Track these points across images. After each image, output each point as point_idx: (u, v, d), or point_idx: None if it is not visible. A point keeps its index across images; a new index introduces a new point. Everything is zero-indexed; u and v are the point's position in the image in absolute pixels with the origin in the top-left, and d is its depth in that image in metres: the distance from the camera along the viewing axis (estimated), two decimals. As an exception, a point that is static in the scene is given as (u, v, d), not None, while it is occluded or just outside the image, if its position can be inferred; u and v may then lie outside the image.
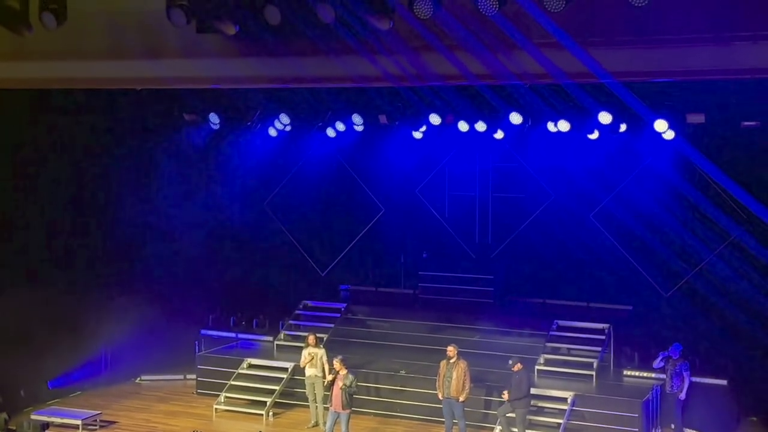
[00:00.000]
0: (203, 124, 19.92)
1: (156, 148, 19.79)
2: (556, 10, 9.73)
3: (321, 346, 16.80)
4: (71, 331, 17.76)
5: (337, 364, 15.08)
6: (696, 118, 16.41)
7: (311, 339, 16.45)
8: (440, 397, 15.33)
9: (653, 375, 16.47)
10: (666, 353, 15.73)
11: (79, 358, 18.36)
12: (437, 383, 15.37)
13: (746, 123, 16.50)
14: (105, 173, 19.01)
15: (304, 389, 16.59)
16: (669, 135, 16.62)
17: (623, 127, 16.91)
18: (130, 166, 19.37)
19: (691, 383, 15.68)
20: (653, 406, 16.01)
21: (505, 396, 15.22)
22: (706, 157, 16.18)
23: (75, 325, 17.84)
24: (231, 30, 11.25)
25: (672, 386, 15.70)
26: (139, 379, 19.57)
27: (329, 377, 15.24)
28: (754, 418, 16.51)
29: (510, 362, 15.25)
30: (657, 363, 15.91)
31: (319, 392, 16.27)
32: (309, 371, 16.32)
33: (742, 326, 16.91)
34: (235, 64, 12.31)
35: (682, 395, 15.63)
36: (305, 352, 16.42)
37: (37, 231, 17.66)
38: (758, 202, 15.63)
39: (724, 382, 16.46)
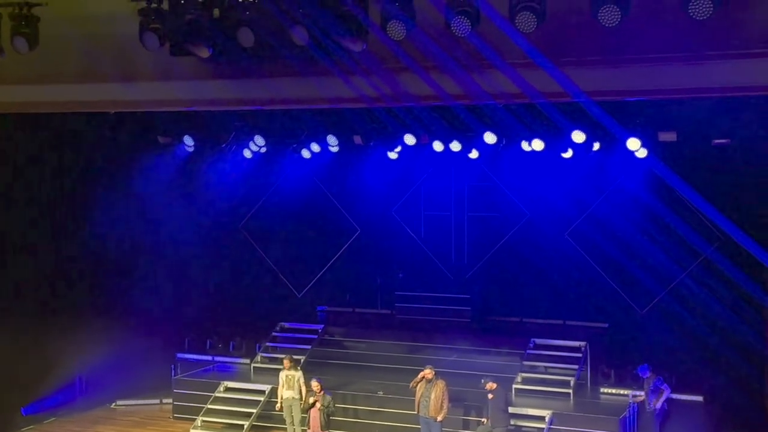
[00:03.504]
0: (178, 147, 19.86)
1: (130, 171, 19.66)
2: (527, 31, 9.82)
3: (298, 368, 16.73)
4: (44, 355, 17.58)
5: (316, 385, 15.08)
6: (668, 137, 16.56)
7: (286, 362, 16.39)
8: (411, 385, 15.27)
9: (630, 392, 16.50)
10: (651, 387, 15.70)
11: (52, 383, 18.14)
12: (417, 402, 15.31)
13: (717, 141, 16.69)
14: (77, 195, 18.87)
15: (282, 412, 16.48)
16: (642, 153, 16.75)
17: (597, 146, 17.03)
18: (103, 189, 19.22)
19: (669, 395, 15.69)
20: (630, 424, 16.04)
21: (485, 422, 15.26)
22: (678, 175, 16.33)
23: (48, 350, 17.65)
24: (205, 53, 11.27)
25: (649, 403, 15.73)
26: (114, 404, 19.37)
27: (310, 399, 15.18)
28: (731, 434, 16.60)
29: (482, 381, 15.23)
30: (650, 399, 15.80)
31: (297, 414, 16.17)
32: (286, 393, 16.24)
33: (714, 343, 17.03)
34: (210, 86, 12.31)
35: (658, 405, 15.62)
36: (282, 375, 16.34)
37: (8, 253, 17.47)
38: (729, 221, 15.76)
39: (700, 398, 16.54)
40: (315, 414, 15.04)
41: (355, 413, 17.13)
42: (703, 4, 9.15)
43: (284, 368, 16.34)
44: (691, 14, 9.23)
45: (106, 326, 18.73)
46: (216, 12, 11.21)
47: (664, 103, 14.92)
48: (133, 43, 11.32)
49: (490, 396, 15.12)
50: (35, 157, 17.83)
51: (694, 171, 16.79)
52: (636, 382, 16.54)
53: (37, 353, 17.34)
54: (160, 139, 19.84)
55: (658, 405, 15.58)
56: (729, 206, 16.33)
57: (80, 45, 12.41)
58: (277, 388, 16.55)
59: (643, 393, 15.81)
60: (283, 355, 17.18)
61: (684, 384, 16.71)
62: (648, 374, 15.64)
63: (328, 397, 15.16)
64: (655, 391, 15.65)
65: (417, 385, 15.24)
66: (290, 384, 16.23)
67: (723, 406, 16.60)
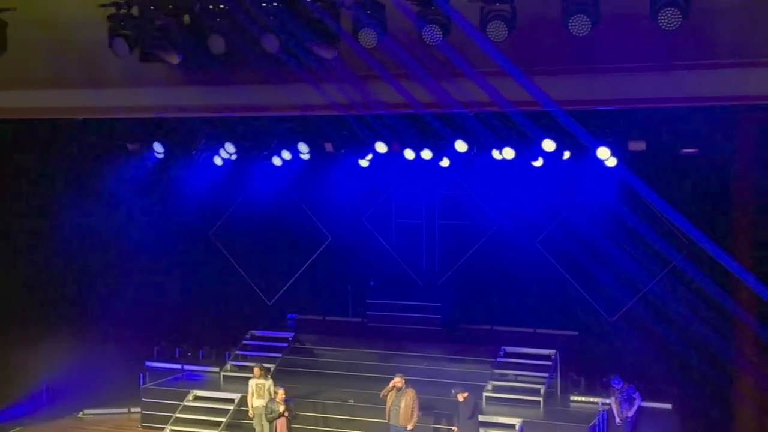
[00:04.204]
0: (147, 153, 19.71)
1: (98, 178, 19.49)
2: (498, 40, 9.87)
3: (268, 376, 16.65)
4: (10, 364, 17.36)
5: (282, 394, 15.04)
6: (637, 146, 16.69)
7: (257, 371, 16.30)
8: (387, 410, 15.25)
9: (599, 400, 16.58)
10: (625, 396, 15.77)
11: (18, 392, 17.92)
12: (387, 411, 15.28)
13: (686, 150, 16.85)
14: (44, 202, 18.68)
15: (252, 420, 16.37)
16: (611, 162, 16.86)
17: (567, 155, 17.12)
18: (71, 197, 19.02)
19: (640, 404, 15.80)
20: (600, 431, 16.11)
21: (455, 430, 15.24)
22: (647, 183, 16.44)
23: (14, 358, 17.44)
24: (175, 59, 11.20)
25: (622, 412, 15.76)
26: (81, 413, 19.12)
27: (280, 408, 15.11)
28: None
29: (452, 392, 15.20)
30: (623, 408, 15.86)
31: (267, 424, 16.07)
32: (257, 402, 16.14)
33: (682, 351, 17.14)
34: (180, 93, 12.24)
35: (631, 413, 15.72)
36: (252, 384, 16.24)
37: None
38: (697, 229, 15.91)
39: (668, 406, 16.65)
40: (282, 423, 15.04)
41: (326, 422, 17.06)
42: (671, 15, 9.24)
43: (255, 377, 16.26)
44: (660, 25, 9.32)
45: (73, 334, 18.54)
46: (186, 18, 11.15)
47: (634, 112, 15.05)
48: (102, 49, 11.24)
49: (461, 398, 15.07)
50: (2, 163, 17.63)
51: (663, 180, 16.93)
52: (605, 390, 16.62)
53: (2, 361, 17.10)
54: (129, 146, 19.68)
55: (631, 413, 15.68)
56: (697, 214, 16.47)
57: (49, 50, 12.30)
58: (246, 397, 16.45)
59: (610, 401, 15.90)
60: (253, 364, 17.09)
61: (653, 391, 16.80)
62: (621, 385, 15.71)
63: (290, 405, 15.28)
64: (629, 400, 15.73)
65: (388, 394, 15.21)
66: (260, 393, 16.14)
67: (691, 413, 16.70)
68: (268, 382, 16.22)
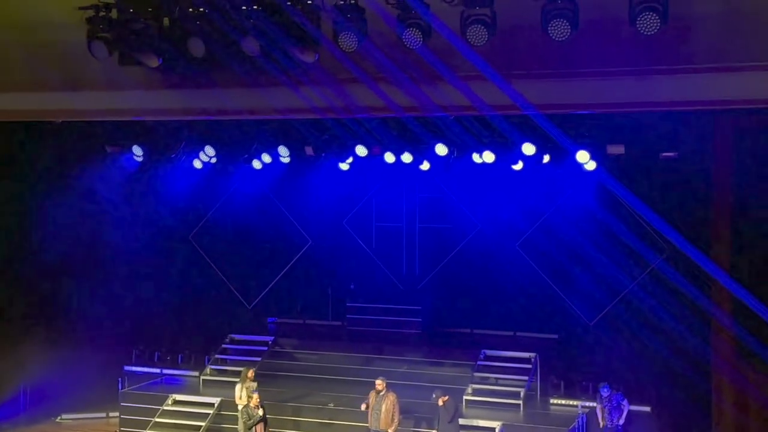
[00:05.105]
0: (126, 156, 19.61)
1: (77, 180, 19.38)
2: (478, 44, 9.90)
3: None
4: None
5: (257, 398, 15.00)
6: (616, 150, 16.78)
7: (251, 373, 16.18)
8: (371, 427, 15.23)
9: (579, 403, 16.62)
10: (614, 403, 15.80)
11: (-5, 396, 17.85)
12: (368, 415, 15.26)
13: (664, 154, 16.96)
14: (22, 204, 18.56)
15: (232, 425, 16.30)
16: (591, 166, 16.92)
17: (546, 158, 17.17)
18: (50, 199, 18.90)
19: (628, 409, 15.86)
20: (580, 434, 16.19)
21: None
22: (626, 187, 16.53)
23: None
24: (154, 62, 11.18)
25: (611, 419, 15.71)
26: (59, 417, 19.01)
27: (260, 412, 15.06)
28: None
29: (434, 395, 15.19)
30: (613, 416, 15.86)
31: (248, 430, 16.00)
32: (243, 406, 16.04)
33: (662, 353, 17.23)
34: (159, 96, 12.22)
35: (621, 420, 15.75)
36: (244, 388, 16.03)
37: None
38: (676, 231, 16.00)
39: (647, 408, 16.72)
40: (260, 428, 15.06)
41: (306, 426, 17.02)
42: (650, 20, 9.31)
43: (247, 379, 16.10)
44: (639, 30, 9.39)
45: (51, 338, 18.43)
46: (166, 21, 11.12)
47: (613, 116, 15.13)
48: (81, 51, 11.19)
49: (440, 402, 15.07)
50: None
51: (642, 183, 17.03)
52: (585, 393, 16.67)
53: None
54: (108, 149, 19.59)
55: (622, 421, 15.68)
56: (676, 217, 16.56)
57: (27, 53, 12.25)
58: (228, 402, 16.32)
59: (596, 407, 15.93)
60: (233, 368, 16.99)
61: (633, 394, 16.83)
62: (609, 392, 15.72)
63: (264, 408, 15.39)
64: (618, 408, 15.73)
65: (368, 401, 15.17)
66: (250, 396, 16.05)
67: (671, 415, 16.78)
68: (254, 384, 16.13)
